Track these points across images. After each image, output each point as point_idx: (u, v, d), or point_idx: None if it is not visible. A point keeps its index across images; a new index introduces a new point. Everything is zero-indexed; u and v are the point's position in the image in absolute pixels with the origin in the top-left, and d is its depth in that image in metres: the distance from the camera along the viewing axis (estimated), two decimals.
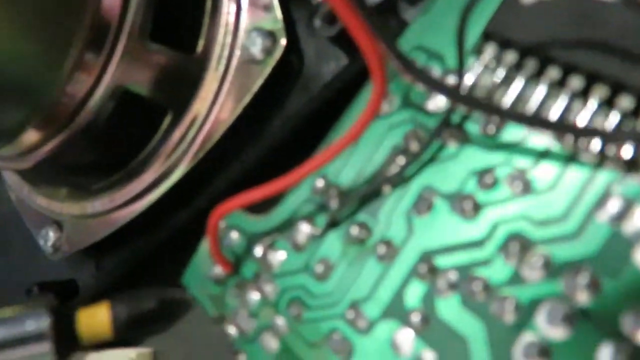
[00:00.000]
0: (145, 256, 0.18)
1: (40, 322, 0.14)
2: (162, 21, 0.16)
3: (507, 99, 0.12)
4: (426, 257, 0.12)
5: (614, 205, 0.11)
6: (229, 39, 0.16)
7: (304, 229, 0.14)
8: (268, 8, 0.16)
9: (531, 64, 0.12)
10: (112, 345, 0.17)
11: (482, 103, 0.12)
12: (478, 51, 0.12)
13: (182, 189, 0.17)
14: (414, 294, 0.12)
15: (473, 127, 0.12)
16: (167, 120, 0.17)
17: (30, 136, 0.17)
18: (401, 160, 0.13)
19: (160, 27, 0.16)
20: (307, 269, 0.14)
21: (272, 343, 0.14)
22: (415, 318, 0.12)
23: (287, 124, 0.16)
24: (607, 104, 0.11)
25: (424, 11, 0.14)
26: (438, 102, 0.13)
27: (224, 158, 0.17)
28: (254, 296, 0.14)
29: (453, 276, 0.12)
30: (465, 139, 0.13)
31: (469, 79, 0.13)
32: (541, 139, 0.12)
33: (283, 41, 0.15)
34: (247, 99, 0.16)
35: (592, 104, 0.11)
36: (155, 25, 0.16)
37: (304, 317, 0.14)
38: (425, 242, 0.12)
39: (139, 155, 0.18)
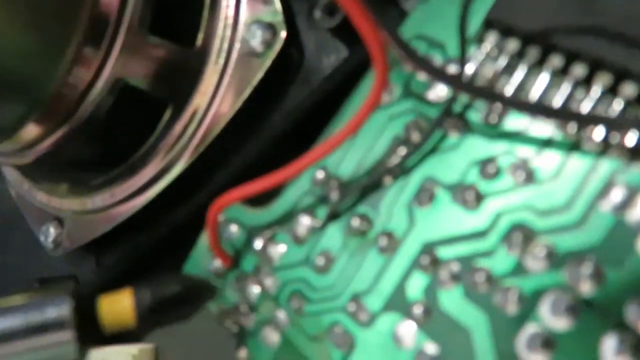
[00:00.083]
0: (146, 251, 0.18)
1: (61, 309, 0.13)
2: (161, 14, 0.16)
3: (510, 88, 0.12)
4: (428, 248, 0.12)
5: (617, 194, 0.11)
6: (228, 32, 0.16)
7: (305, 222, 0.14)
8: (267, 0, 0.16)
9: (533, 52, 0.12)
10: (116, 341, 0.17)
11: (485, 91, 0.12)
12: (479, 39, 0.12)
13: (182, 184, 0.17)
14: (416, 285, 0.12)
15: (475, 117, 0.12)
16: (167, 114, 0.17)
17: (30, 131, 0.17)
18: (402, 150, 0.13)
19: (160, 20, 0.16)
20: (308, 262, 0.14)
21: (273, 337, 0.14)
22: (418, 310, 0.12)
23: (287, 117, 0.16)
24: (611, 92, 0.11)
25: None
26: (439, 92, 0.13)
27: (224, 152, 0.17)
28: (254, 290, 0.14)
29: (455, 267, 0.12)
30: (467, 128, 0.12)
31: (470, 68, 0.12)
32: (544, 128, 0.12)
33: (283, 34, 0.15)
34: (248, 92, 0.16)
35: (596, 91, 0.11)
36: (155, 19, 0.16)
37: (305, 310, 0.14)
38: (427, 233, 0.12)
39: (139, 149, 0.17)
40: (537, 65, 0.12)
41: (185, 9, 0.17)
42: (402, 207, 0.13)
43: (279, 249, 0.14)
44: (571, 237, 0.11)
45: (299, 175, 0.13)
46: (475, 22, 0.12)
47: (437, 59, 0.13)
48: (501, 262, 0.11)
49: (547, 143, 0.11)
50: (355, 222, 0.13)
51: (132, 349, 0.17)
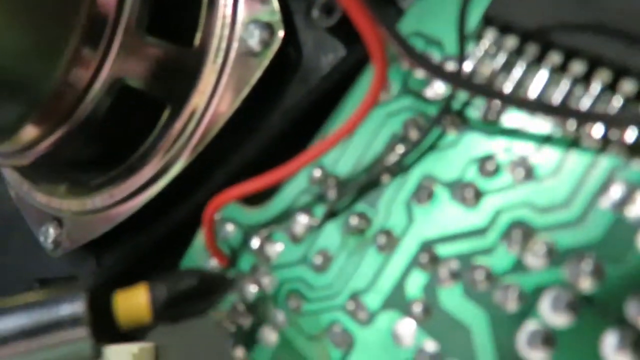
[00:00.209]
0: (145, 251, 0.18)
1: (75, 305, 0.12)
2: (159, 14, 0.16)
3: (508, 85, 0.12)
4: (427, 246, 0.12)
5: (617, 191, 0.11)
6: (226, 32, 0.16)
7: (302, 220, 0.14)
8: (265, 0, 0.16)
9: (532, 49, 0.12)
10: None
11: (483, 88, 0.12)
12: (478, 36, 0.12)
13: (181, 184, 0.17)
14: (415, 284, 0.12)
15: (473, 114, 0.12)
16: (166, 114, 0.17)
17: (29, 132, 0.17)
18: (400, 148, 0.13)
19: (157, 20, 0.16)
20: (306, 261, 0.14)
21: (271, 336, 0.14)
22: (417, 308, 0.12)
23: (286, 116, 0.16)
24: (610, 89, 0.11)
25: None
26: (437, 89, 0.13)
27: (223, 151, 0.17)
28: (252, 289, 0.14)
29: (455, 265, 0.12)
30: (465, 126, 0.12)
31: (468, 65, 0.12)
32: (543, 125, 0.11)
33: (281, 33, 0.15)
34: (246, 91, 0.16)
35: (595, 88, 0.11)
36: (152, 19, 0.16)
37: (303, 309, 0.13)
38: (426, 231, 0.12)
39: (137, 150, 0.17)
40: (536, 62, 0.12)
41: (182, 8, 0.17)
42: (401, 205, 0.13)
43: (277, 248, 0.14)
44: (571, 234, 0.11)
45: (296, 173, 0.13)
46: (473, 19, 0.12)
47: (435, 56, 0.13)
48: (501, 259, 0.11)
49: (546, 140, 0.11)
50: (354, 220, 0.13)
51: (133, 347, 0.17)
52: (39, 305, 0.13)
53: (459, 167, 0.12)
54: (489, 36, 0.12)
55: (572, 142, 0.11)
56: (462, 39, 0.12)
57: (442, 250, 0.12)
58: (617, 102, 0.11)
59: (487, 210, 0.12)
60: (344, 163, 0.14)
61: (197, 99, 0.16)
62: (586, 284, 0.10)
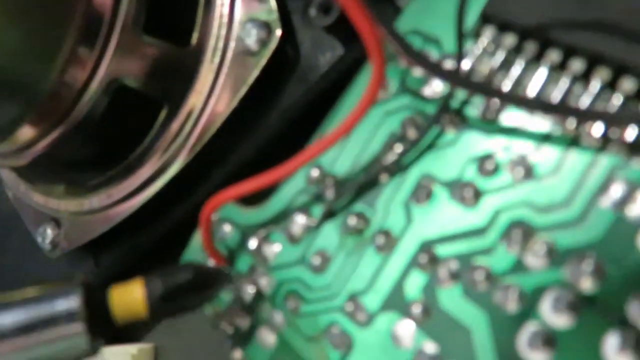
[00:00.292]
0: (144, 251, 0.18)
1: (70, 300, 0.12)
2: (156, 13, 0.16)
3: (507, 83, 0.12)
4: (426, 246, 0.12)
5: (617, 190, 0.10)
6: (223, 31, 0.16)
7: (300, 220, 0.14)
8: None
9: (531, 47, 0.12)
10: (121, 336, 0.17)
11: (482, 86, 0.12)
12: (476, 34, 0.12)
13: (179, 183, 0.17)
14: (415, 284, 0.12)
15: (472, 112, 0.12)
16: (163, 114, 0.17)
17: (25, 132, 0.17)
18: (398, 147, 0.13)
19: (154, 19, 0.16)
20: (304, 261, 0.14)
21: (269, 338, 0.14)
22: (416, 309, 0.12)
23: (283, 115, 0.16)
24: (610, 87, 0.11)
25: None
26: (435, 87, 0.13)
27: (221, 151, 0.17)
28: (249, 290, 0.14)
29: (454, 266, 0.12)
30: (464, 124, 0.12)
31: (467, 63, 0.12)
32: (542, 123, 0.11)
33: (278, 32, 0.15)
34: (243, 91, 0.16)
35: (594, 86, 0.11)
36: (149, 18, 0.16)
37: (301, 310, 0.13)
38: (424, 231, 0.12)
39: (135, 150, 0.17)
40: (535, 60, 0.12)
41: (179, 7, 0.17)
42: (399, 205, 0.13)
43: (274, 249, 0.14)
44: (571, 234, 0.11)
45: (293, 173, 0.13)
46: (471, 17, 0.12)
47: (433, 54, 0.13)
48: (501, 259, 0.11)
49: (545, 139, 0.11)
50: (352, 220, 0.13)
51: (132, 348, 0.17)
52: (34, 301, 0.12)
53: (458, 167, 0.12)
54: (488, 34, 0.12)
55: (572, 141, 0.11)
56: (461, 37, 0.12)
57: (442, 250, 0.12)
58: (617, 100, 0.11)
59: (487, 209, 0.12)
60: (342, 162, 0.14)
61: (195, 99, 0.16)
62: (587, 284, 0.10)
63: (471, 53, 0.12)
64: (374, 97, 0.12)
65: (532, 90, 0.11)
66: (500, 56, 0.12)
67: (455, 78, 0.12)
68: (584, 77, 0.11)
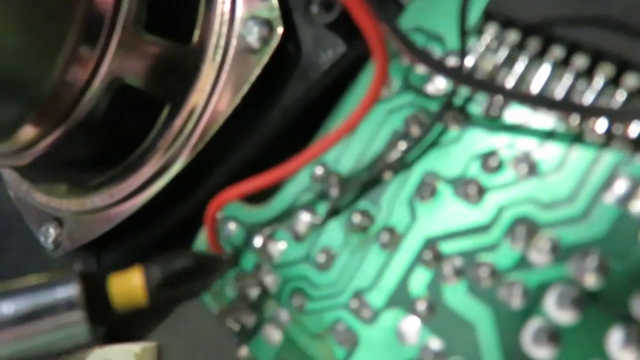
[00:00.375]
0: (146, 250, 0.18)
1: (70, 289, 0.12)
2: (157, 12, 0.16)
3: (510, 80, 0.12)
4: (430, 243, 0.12)
5: (621, 186, 0.10)
6: (225, 29, 0.16)
7: (304, 218, 0.14)
8: None
9: (534, 43, 0.12)
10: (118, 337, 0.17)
11: (485, 83, 0.12)
12: (479, 31, 0.12)
13: (181, 182, 0.17)
14: (419, 281, 0.12)
15: (475, 109, 0.12)
16: (165, 112, 0.17)
17: (27, 132, 0.17)
18: (402, 145, 0.13)
19: (155, 17, 0.16)
20: (309, 259, 0.14)
21: (274, 335, 0.14)
22: (421, 306, 0.12)
23: (285, 113, 0.16)
24: (613, 83, 0.11)
25: None
26: (439, 85, 0.13)
27: (223, 149, 0.17)
28: (255, 288, 0.14)
29: (459, 262, 0.12)
30: (467, 121, 0.12)
31: (470, 60, 0.12)
32: (546, 120, 0.11)
33: (280, 29, 0.15)
34: (245, 88, 0.16)
35: (598, 82, 0.11)
36: (150, 16, 0.16)
37: (306, 308, 0.13)
38: (429, 228, 0.12)
39: (137, 149, 0.17)
40: (538, 57, 0.12)
41: (180, 5, 0.16)
42: (404, 202, 0.13)
43: (279, 247, 0.14)
44: (575, 230, 0.11)
45: (298, 171, 0.13)
46: (474, 14, 0.12)
47: (436, 52, 0.13)
48: (505, 256, 0.11)
49: (549, 135, 0.11)
50: (356, 218, 0.13)
51: (135, 347, 0.17)
52: (34, 289, 0.12)
53: (462, 164, 0.12)
54: (491, 31, 0.12)
55: (576, 137, 0.11)
56: (464, 33, 0.12)
57: (446, 247, 0.12)
58: (620, 96, 0.11)
59: (491, 206, 0.12)
60: (346, 160, 0.14)
61: (196, 97, 0.16)
62: (591, 280, 0.10)
63: (474, 50, 0.12)
64: (377, 95, 0.12)
65: (535, 86, 0.12)
66: (503, 53, 0.12)
67: (458, 75, 0.12)
68: (588, 73, 0.11)
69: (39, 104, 0.16)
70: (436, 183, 0.12)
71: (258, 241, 0.14)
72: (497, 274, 0.11)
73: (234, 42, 0.16)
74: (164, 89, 0.17)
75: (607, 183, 0.11)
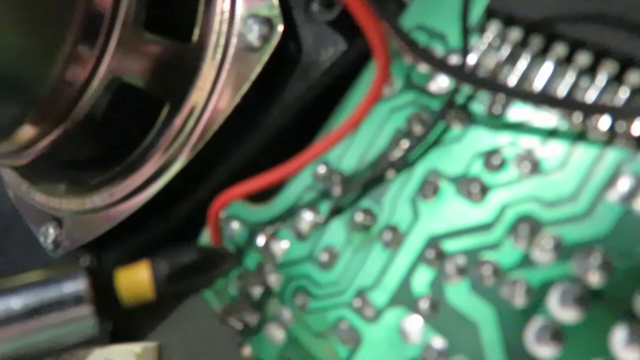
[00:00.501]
0: (146, 250, 0.18)
1: (77, 283, 0.12)
2: (156, 10, 0.16)
3: (513, 78, 0.12)
4: (433, 242, 0.12)
5: (624, 184, 0.10)
6: (225, 27, 0.16)
7: (307, 217, 0.14)
8: None
9: (536, 41, 0.12)
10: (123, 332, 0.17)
11: (488, 81, 0.12)
12: (481, 29, 0.12)
13: (181, 181, 0.17)
14: (422, 280, 0.12)
15: (478, 108, 0.12)
16: (165, 111, 0.17)
17: (26, 132, 0.17)
18: (405, 143, 0.13)
19: (155, 16, 0.16)
20: (312, 258, 0.14)
21: (277, 334, 0.14)
22: (424, 304, 0.12)
23: (286, 111, 0.16)
24: (616, 80, 0.11)
25: None
26: (441, 83, 0.13)
27: (223, 148, 0.17)
28: (258, 287, 0.14)
29: (461, 261, 0.12)
30: (470, 120, 0.12)
31: (472, 58, 0.12)
32: (549, 118, 0.11)
33: (280, 27, 0.15)
34: (246, 87, 0.16)
35: (601, 80, 0.11)
36: (149, 15, 0.16)
37: (309, 306, 0.13)
38: (431, 226, 0.12)
39: (137, 148, 0.17)
40: (541, 55, 0.12)
41: (180, 4, 0.16)
42: (406, 201, 0.13)
43: (282, 246, 0.14)
44: (578, 228, 0.11)
45: (300, 170, 0.13)
46: (476, 12, 0.12)
47: (439, 50, 0.13)
48: (508, 254, 0.11)
49: (552, 133, 0.11)
50: (359, 216, 0.13)
51: (136, 347, 0.17)
52: (41, 284, 0.12)
53: (464, 162, 0.12)
54: (493, 28, 0.12)
55: (579, 135, 0.11)
56: (466, 32, 0.12)
57: (449, 245, 0.12)
58: (623, 93, 0.11)
59: (494, 205, 0.12)
60: (349, 159, 0.14)
61: (196, 96, 0.16)
62: (594, 279, 0.10)
63: (476, 48, 0.12)
64: (379, 94, 0.12)
65: (538, 84, 0.11)
66: (505, 51, 0.12)
67: (460, 73, 0.12)
68: (590, 71, 0.11)
69: (39, 103, 0.16)
70: (439, 181, 0.12)
71: (261, 240, 0.14)
72: (500, 273, 0.11)
73: (234, 40, 0.16)
74: (163, 88, 0.17)
75: (611, 181, 0.11)
